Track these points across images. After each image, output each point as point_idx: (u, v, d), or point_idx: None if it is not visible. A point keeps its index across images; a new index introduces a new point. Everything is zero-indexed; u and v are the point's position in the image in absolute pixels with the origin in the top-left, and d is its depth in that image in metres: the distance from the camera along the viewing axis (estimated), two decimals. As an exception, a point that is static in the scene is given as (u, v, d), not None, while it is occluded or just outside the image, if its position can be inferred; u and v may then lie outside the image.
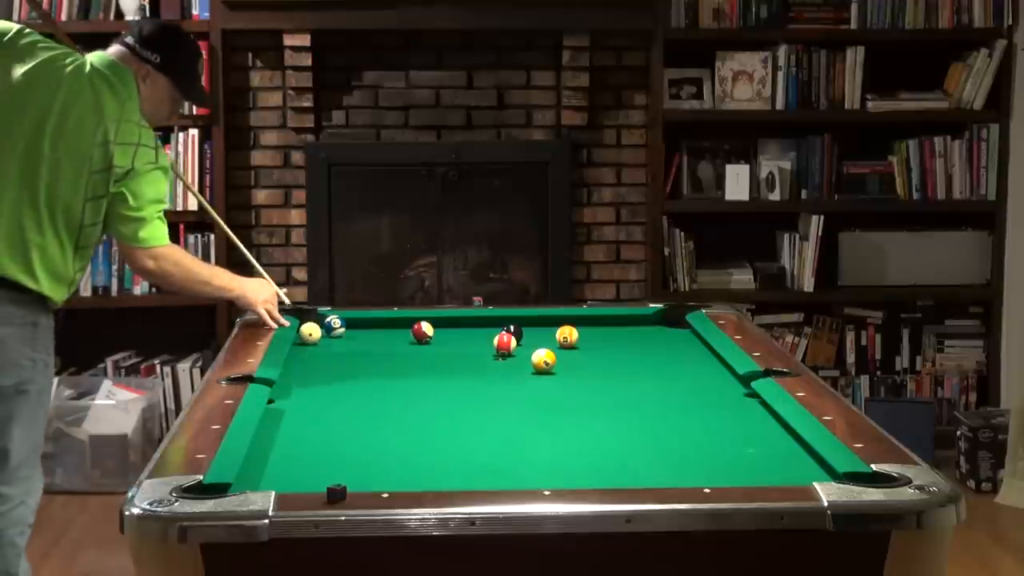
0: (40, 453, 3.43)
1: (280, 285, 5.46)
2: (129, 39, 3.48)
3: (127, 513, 2.11)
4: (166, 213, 3.49)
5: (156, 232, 3.41)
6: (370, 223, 5.55)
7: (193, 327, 5.45)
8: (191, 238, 5.34)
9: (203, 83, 3.86)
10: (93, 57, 3.44)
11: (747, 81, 5.46)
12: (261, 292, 3.73)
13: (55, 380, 4.50)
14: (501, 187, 5.51)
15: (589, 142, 5.52)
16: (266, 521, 2.05)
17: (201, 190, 5.32)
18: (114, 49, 3.48)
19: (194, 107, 5.26)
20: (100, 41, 5.25)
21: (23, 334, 3.31)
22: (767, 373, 3.02)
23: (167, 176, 3.49)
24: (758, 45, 5.47)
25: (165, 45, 3.48)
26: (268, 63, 5.41)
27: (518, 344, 3.42)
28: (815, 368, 5.35)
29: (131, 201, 3.35)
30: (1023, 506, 4.86)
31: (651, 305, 4.05)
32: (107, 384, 5.19)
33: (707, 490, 2.18)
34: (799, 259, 5.49)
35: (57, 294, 3.35)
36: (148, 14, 5.25)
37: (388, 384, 3.19)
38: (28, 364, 3.32)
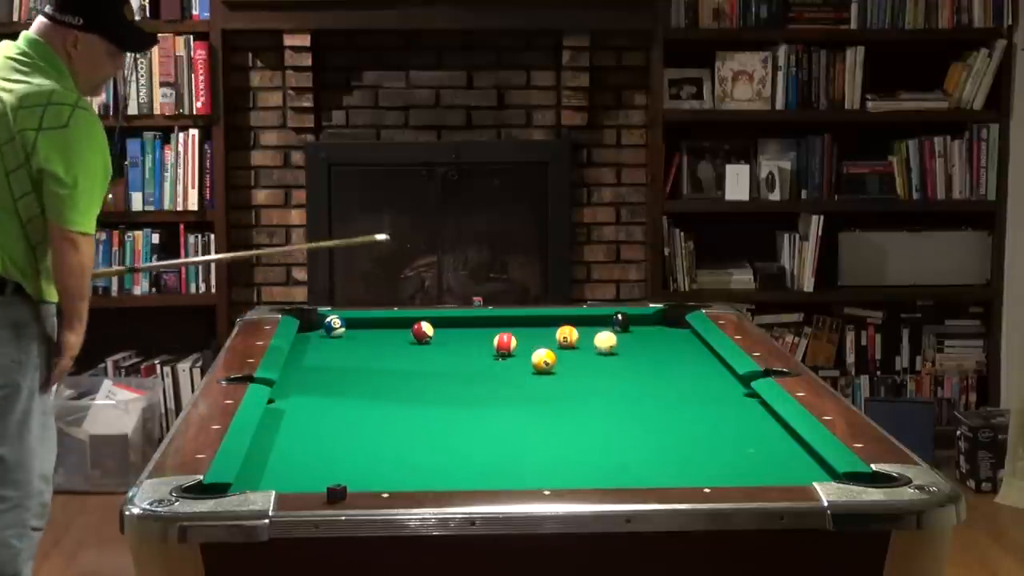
0: (39, 457, 3.40)
1: (280, 285, 5.50)
2: (48, 8, 3.35)
3: (127, 513, 2.11)
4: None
5: (85, 217, 3.27)
6: (370, 223, 5.54)
7: (193, 327, 5.45)
8: (191, 238, 5.33)
9: (138, 26, 3.62)
10: (10, 44, 3.34)
11: (747, 81, 5.46)
12: (80, 343, 3.46)
13: None
14: (501, 187, 5.51)
15: (589, 142, 5.52)
16: (266, 521, 2.05)
17: (201, 190, 5.31)
18: (36, 24, 3.37)
19: (195, 106, 5.26)
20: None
21: (4, 335, 3.28)
22: (767, 373, 3.03)
23: (101, 156, 3.31)
24: (758, 45, 5.47)
25: (84, 2, 3.34)
26: (268, 63, 5.40)
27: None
28: (815, 368, 5.34)
29: (63, 178, 3.21)
30: (1023, 506, 4.86)
31: (651, 305, 4.05)
32: (107, 384, 5.19)
33: (707, 490, 2.18)
34: (799, 259, 5.49)
35: (32, 287, 3.30)
36: (148, 14, 5.25)
37: (388, 384, 3.19)
38: (14, 365, 3.30)
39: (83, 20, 3.32)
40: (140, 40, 3.63)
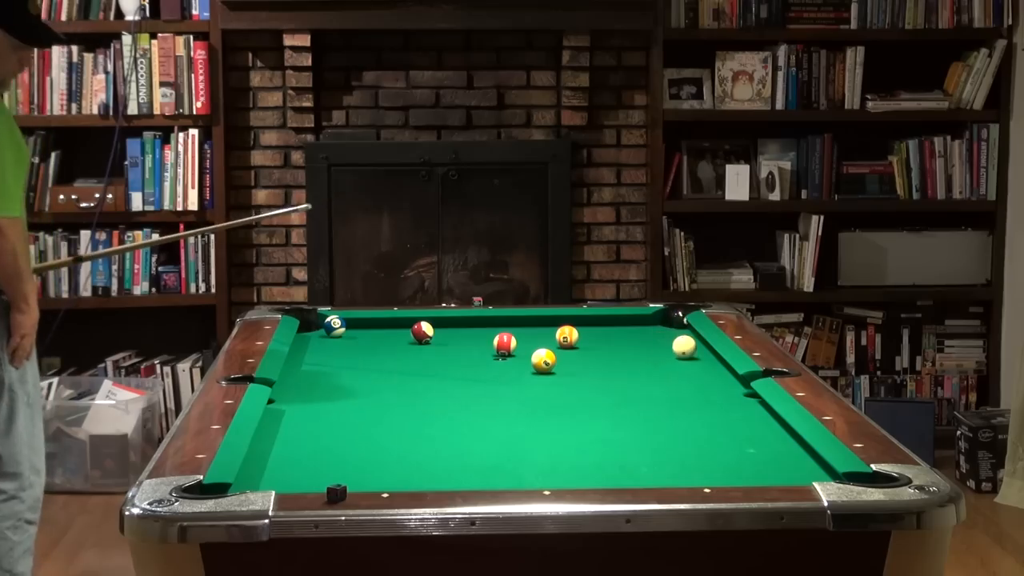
0: (32, 447, 3.42)
1: (280, 285, 5.50)
2: None
3: (127, 513, 2.11)
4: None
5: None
6: (370, 223, 5.55)
7: (193, 327, 5.45)
8: (191, 238, 5.33)
9: (43, 21, 3.62)
10: None
11: (747, 81, 5.46)
12: (35, 325, 3.47)
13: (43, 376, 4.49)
14: (501, 187, 5.51)
15: (589, 142, 5.52)
16: (266, 521, 2.05)
17: (201, 190, 5.32)
18: None
19: (195, 106, 5.26)
20: (100, 41, 5.29)
21: None
22: (767, 373, 3.02)
23: (10, 142, 3.34)
24: (758, 45, 5.47)
25: None
26: (268, 63, 5.40)
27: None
28: (815, 368, 5.35)
29: None
30: (1023, 506, 4.86)
31: (651, 305, 4.05)
32: (107, 384, 5.19)
33: (707, 490, 2.18)
34: (799, 259, 5.49)
35: None
36: (148, 14, 5.25)
37: (388, 384, 3.19)
38: None
39: None
40: (46, 36, 3.62)
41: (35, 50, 3.60)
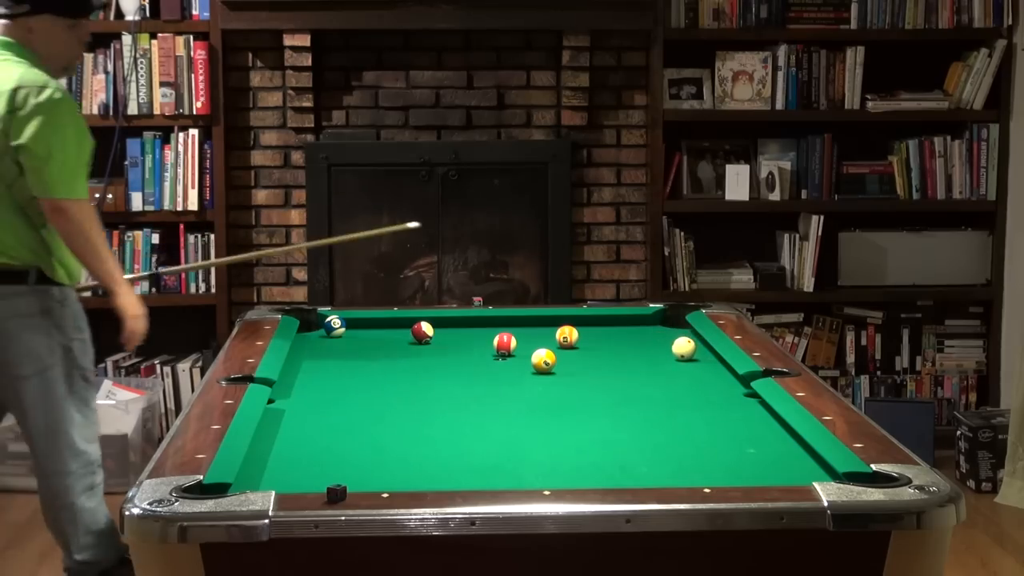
0: (74, 427, 3.52)
1: (280, 285, 5.50)
2: (1, 9, 3.50)
3: (127, 513, 2.11)
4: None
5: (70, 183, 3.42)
6: (370, 223, 5.54)
7: (193, 327, 5.45)
8: (191, 238, 5.34)
9: None
10: None
11: (747, 81, 5.46)
12: (139, 305, 3.61)
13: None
14: (501, 187, 5.51)
15: (589, 142, 5.52)
16: (266, 521, 2.05)
17: (201, 190, 5.32)
18: (1, 27, 3.51)
19: (195, 106, 5.26)
20: (100, 41, 5.29)
21: (35, 323, 3.43)
22: (767, 373, 3.03)
23: (75, 129, 3.46)
24: (758, 45, 5.47)
25: None
26: (268, 63, 5.40)
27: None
28: (815, 368, 5.35)
29: (36, 151, 3.37)
30: (1023, 506, 4.86)
31: (651, 305, 4.05)
32: (107, 384, 5.19)
33: (707, 490, 2.18)
34: (799, 259, 5.49)
35: (49, 268, 3.46)
36: (148, 14, 5.26)
37: (388, 384, 3.19)
38: (46, 351, 3.45)
39: (30, 5, 3.47)
40: (88, 5, 3.71)
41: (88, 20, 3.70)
